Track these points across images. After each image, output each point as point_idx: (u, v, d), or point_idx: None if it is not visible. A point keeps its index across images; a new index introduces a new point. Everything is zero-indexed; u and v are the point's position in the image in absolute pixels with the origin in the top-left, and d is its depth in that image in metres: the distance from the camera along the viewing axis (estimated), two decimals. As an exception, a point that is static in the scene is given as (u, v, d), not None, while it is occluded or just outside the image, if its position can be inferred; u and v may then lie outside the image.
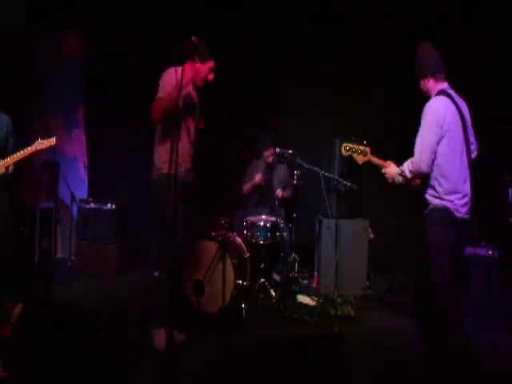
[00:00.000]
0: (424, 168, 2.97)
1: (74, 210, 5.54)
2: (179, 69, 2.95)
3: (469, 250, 4.14)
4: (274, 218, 4.51)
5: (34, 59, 5.64)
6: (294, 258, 4.92)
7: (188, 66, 3.16)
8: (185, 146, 3.34)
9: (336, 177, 4.70)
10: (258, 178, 4.88)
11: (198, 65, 3.34)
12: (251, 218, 4.58)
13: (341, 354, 2.92)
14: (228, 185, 5.24)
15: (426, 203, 3.07)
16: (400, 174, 3.11)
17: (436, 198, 3.01)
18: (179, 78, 2.87)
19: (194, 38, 3.28)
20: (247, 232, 4.49)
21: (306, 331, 3.72)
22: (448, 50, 4.73)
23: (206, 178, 4.94)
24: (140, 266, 5.53)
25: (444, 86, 3.10)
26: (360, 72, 5.17)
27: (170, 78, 3.13)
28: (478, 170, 4.65)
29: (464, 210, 2.98)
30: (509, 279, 4.00)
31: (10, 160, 3.84)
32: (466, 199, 2.98)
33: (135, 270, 5.45)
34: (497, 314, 3.97)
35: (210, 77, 3.42)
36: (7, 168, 3.83)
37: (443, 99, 3.01)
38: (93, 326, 2.57)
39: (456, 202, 2.96)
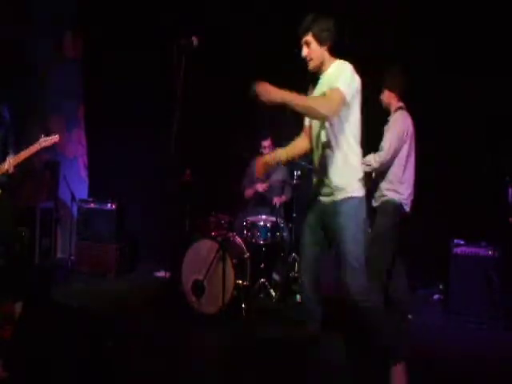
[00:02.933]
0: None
1: (74, 209, 5.54)
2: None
3: (469, 249, 4.14)
4: (273, 218, 4.51)
5: (34, 59, 5.64)
6: (294, 258, 4.91)
7: None
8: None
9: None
10: (260, 188, 4.89)
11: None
12: (251, 218, 4.58)
13: (340, 354, 2.93)
14: (228, 185, 5.24)
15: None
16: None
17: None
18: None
19: (194, 38, 3.28)
20: (247, 232, 4.49)
21: (306, 331, 3.71)
22: (449, 46, 4.75)
23: (206, 178, 4.96)
24: (140, 266, 5.54)
25: (401, 104, 3.88)
26: (360, 71, 5.16)
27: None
28: (478, 170, 4.68)
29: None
30: (509, 279, 3.99)
31: (16, 159, 3.65)
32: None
33: (135, 270, 5.45)
34: (497, 314, 3.97)
35: None
36: (15, 167, 3.65)
37: (405, 114, 3.83)
38: (93, 325, 2.57)
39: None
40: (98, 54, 5.93)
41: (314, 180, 2.80)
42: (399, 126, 3.76)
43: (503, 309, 3.97)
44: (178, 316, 3.75)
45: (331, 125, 2.64)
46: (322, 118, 2.61)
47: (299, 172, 4.68)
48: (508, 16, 4.51)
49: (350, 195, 2.61)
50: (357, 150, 2.69)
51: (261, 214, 4.65)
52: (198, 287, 3.94)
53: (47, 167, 5.90)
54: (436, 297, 4.60)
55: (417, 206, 3.83)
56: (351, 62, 2.71)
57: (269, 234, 4.45)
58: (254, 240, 4.43)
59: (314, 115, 2.61)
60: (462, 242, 4.18)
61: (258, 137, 5.07)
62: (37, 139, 3.80)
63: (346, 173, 2.65)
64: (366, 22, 4.95)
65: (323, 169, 2.69)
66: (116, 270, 5.18)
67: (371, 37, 4.91)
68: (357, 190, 2.63)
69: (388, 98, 3.91)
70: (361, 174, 2.67)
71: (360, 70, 2.75)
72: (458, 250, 4.16)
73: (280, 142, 5.01)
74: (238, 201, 5.16)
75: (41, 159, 5.77)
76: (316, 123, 2.75)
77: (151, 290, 4.51)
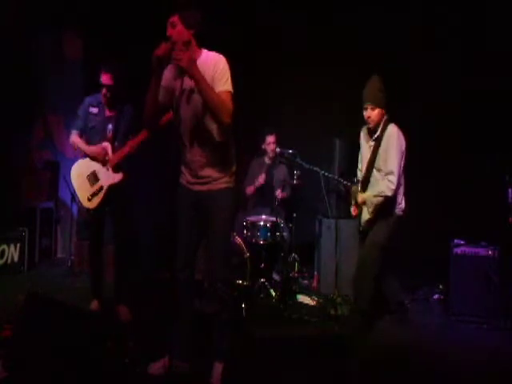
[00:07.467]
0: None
1: (74, 209, 5.54)
2: None
3: (469, 249, 4.14)
4: (273, 218, 4.51)
5: (34, 59, 5.64)
6: (294, 258, 4.92)
7: None
8: None
9: (336, 177, 4.69)
10: (261, 179, 4.88)
11: None
12: (251, 218, 4.58)
13: (341, 354, 2.93)
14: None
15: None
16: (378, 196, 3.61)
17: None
18: None
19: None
20: (247, 232, 4.48)
21: (306, 331, 3.71)
22: (448, 46, 4.76)
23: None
24: (140, 266, 5.53)
25: (386, 116, 3.64)
26: (361, 72, 5.17)
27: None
28: (478, 170, 4.68)
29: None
30: (509, 279, 3.99)
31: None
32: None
33: (135, 270, 5.44)
34: (497, 314, 3.97)
35: None
36: None
37: (396, 126, 3.61)
38: (93, 326, 2.57)
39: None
40: (97, 54, 5.93)
41: None
42: (398, 143, 3.58)
43: (503, 309, 3.97)
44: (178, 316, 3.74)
45: None
46: (220, 122, 2.57)
47: (299, 172, 4.68)
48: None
49: None
50: None
51: (261, 214, 4.65)
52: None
53: (47, 167, 5.90)
54: (436, 297, 4.60)
55: (417, 206, 3.83)
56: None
57: (269, 233, 4.45)
58: (254, 240, 4.43)
59: (217, 113, 2.54)
60: (462, 242, 4.18)
61: (261, 133, 5.06)
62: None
63: None
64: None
65: None
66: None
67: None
68: None
69: (379, 115, 3.64)
70: None
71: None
72: (458, 250, 4.16)
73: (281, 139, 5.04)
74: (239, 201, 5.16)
75: (41, 159, 5.77)
76: None
77: (151, 289, 4.51)
